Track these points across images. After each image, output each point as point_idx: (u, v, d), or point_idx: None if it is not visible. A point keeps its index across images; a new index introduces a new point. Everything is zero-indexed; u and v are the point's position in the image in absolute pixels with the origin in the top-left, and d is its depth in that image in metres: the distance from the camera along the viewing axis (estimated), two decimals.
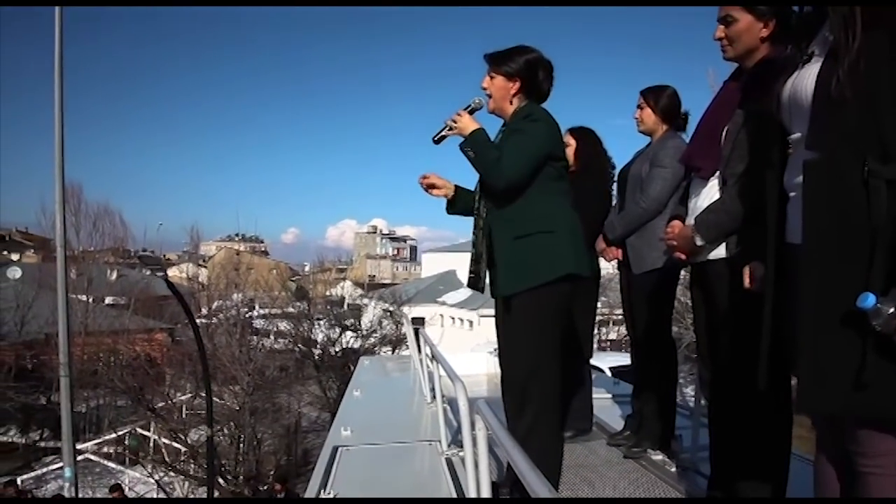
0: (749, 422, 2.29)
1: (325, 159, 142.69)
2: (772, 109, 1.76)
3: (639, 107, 3.52)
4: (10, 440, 17.49)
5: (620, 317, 5.45)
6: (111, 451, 16.73)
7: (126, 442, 16.57)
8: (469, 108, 2.79)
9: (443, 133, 2.77)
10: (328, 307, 22.16)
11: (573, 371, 3.57)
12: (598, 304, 4.31)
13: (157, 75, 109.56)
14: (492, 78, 2.81)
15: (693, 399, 3.61)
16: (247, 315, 20.30)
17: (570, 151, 3.74)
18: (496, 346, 3.04)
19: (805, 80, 1.61)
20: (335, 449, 3.47)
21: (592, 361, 4.16)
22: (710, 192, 2.46)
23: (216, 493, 12.03)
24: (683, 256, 2.56)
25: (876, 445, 1.47)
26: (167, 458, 14.95)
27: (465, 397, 2.16)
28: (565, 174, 2.87)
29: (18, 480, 13.19)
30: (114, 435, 16.79)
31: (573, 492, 3.00)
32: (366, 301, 24.58)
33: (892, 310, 1.33)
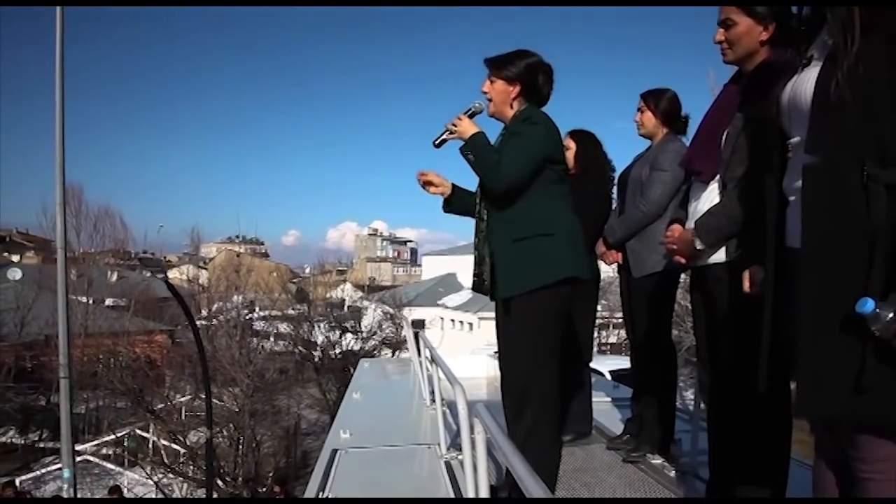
0: (748, 426, 2.29)
1: (326, 161, 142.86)
2: (771, 113, 1.76)
3: (639, 110, 3.52)
4: (9, 441, 17.47)
5: (620, 320, 5.45)
6: (110, 452, 16.71)
7: (125, 443, 16.53)
8: (469, 112, 2.81)
9: (443, 137, 2.79)
10: (328, 309, 22.20)
11: (573, 374, 3.57)
12: (598, 308, 4.31)
13: (158, 77, 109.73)
14: (492, 82, 2.83)
15: (693, 403, 3.61)
16: (247, 317, 20.30)
17: (570, 155, 3.74)
18: (496, 348, 3.05)
19: (804, 83, 1.61)
20: (334, 451, 3.47)
21: (592, 365, 4.16)
22: (710, 196, 2.46)
23: (215, 495, 12.01)
24: (683, 260, 2.56)
25: (875, 451, 1.46)
26: (166, 460, 14.91)
27: (464, 401, 2.16)
28: (565, 177, 2.88)
29: (17, 481, 13.18)
30: (113, 436, 16.75)
31: (572, 495, 2.99)
32: (366, 303, 24.57)
33: (891, 315, 1.33)
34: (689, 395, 4.38)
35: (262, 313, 22.75)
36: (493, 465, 2.82)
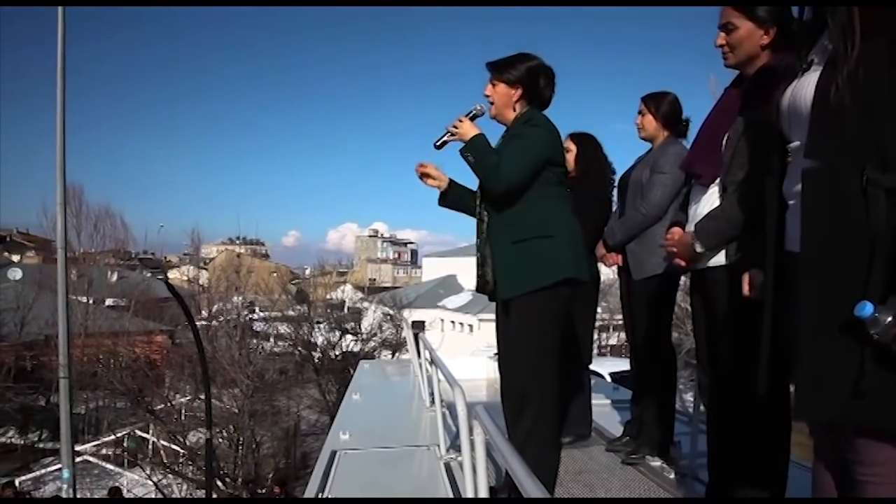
0: (748, 428, 2.30)
1: (326, 162, 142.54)
2: (771, 117, 1.76)
3: (640, 113, 3.53)
4: (8, 441, 17.47)
5: (620, 322, 5.45)
6: (110, 452, 16.72)
7: (125, 444, 16.54)
8: (470, 115, 2.83)
9: (444, 139, 2.81)
10: (328, 310, 22.19)
11: (572, 376, 3.57)
12: (598, 310, 4.31)
13: (159, 77, 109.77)
14: (494, 85, 2.85)
15: (692, 405, 3.61)
16: (247, 318, 20.30)
17: (570, 157, 3.76)
18: (496, 350, 3.05)
19: (804, 88, 1.61)
20: (334, 452, 3.47)
21: (592, 367, 4.17)
22: (710, 199, 2.47)
23: (214, 496, 12.00)
24: (683, 263, 2.56)
25: (874, 454, 1.47)
26: (166, 460, 14.93)
27: (464, 402, 2.17)
28: (565, 179, 2.90)
29: (17, 481, 13.18)
30: (113, 437, 16.76)
31: (571, 497, 3.00)
32: (366, 305, 24.54)
33: (889, 319, 1.33)
34: (689, 397, 4.38)
35: (262, 314, 22.75)
36: (493, 466, 2.83)
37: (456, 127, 2.76)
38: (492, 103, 2.86)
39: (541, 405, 2.67)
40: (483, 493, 1.99)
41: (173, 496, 14.18)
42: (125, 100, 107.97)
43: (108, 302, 25.23)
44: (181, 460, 14.84)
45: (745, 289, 1.98)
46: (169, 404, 16.06)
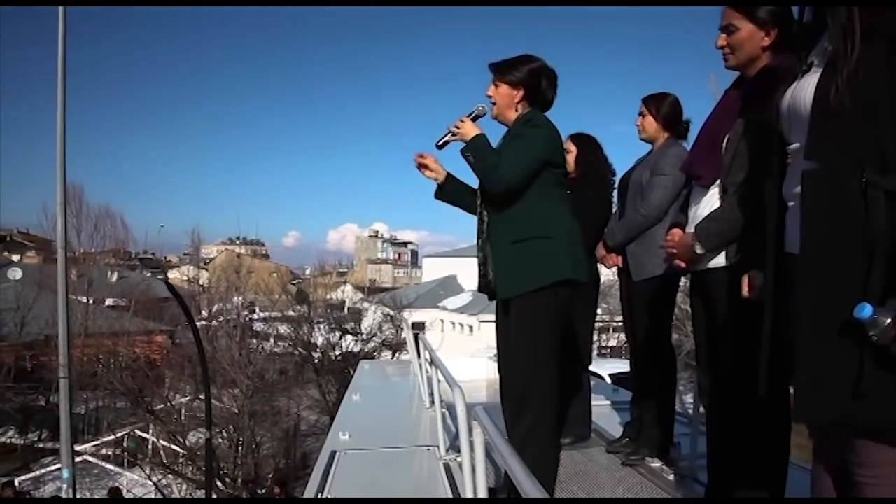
0: (747, 430, 2.30)
1: (327, 163, 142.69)
2: (772, 119, 1.76)
3: (640, 114, 3.53)
4: (8, 441, 17.46)
5: (620, 323, 5.46)
6: (110, 452, 16.69)
7: (125, 444, 16.54)
8: (472, 115, 2.84)
9: (445, 138, 2.83)
10: (328, 311, 22.17)
11: (572, 377, 3.57)
12: (598, 311, 4.31)
13: (159, 78, 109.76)
14: (496, 86, 2.86)
15: (692, 406, 3.62)
16: (247, 318, 20.29)
17: (570, 158, 3.76)
18: (496, 351, 3.05)
19: (804, 89, 1.61)
20: (333, 452, 3.47)
21: (592, 368, 4.17)
22: (710, 201, 2.47)
23: (214, 496, 12.00)
24: (683, 264, 2.56)
25: (873, 456, 1.47)
26: (166, 461, 14.91)
27: (463, 403, 2.17)
28: (565, 180, 2.91)
29: (16, 481, 13.19)
30: (112, 437, 16.75)
31: (570, 497, 3.00)
32: (366, 305, 24.54)
33: (888, 320, 1.33)
34: (689, 398, 4.38)
35: (262, 314, 22.72)
36: (492, 466, 2.83)
37: (457, 127, 2.77)
38: (494, 104, 2.87)
39: (540, 406, 2.67)
40: (482, 494, 1.99)
41: (173, 496, 14.18)
42: (125, 100, 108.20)
43: (108, 302, 25.23)
44: (181, 460, 14.82)
45: (745, 290, 1.98)
46: (169, 404, 16.04)
